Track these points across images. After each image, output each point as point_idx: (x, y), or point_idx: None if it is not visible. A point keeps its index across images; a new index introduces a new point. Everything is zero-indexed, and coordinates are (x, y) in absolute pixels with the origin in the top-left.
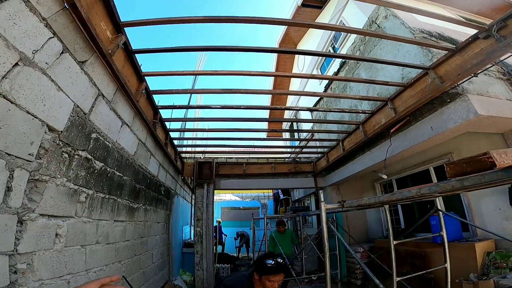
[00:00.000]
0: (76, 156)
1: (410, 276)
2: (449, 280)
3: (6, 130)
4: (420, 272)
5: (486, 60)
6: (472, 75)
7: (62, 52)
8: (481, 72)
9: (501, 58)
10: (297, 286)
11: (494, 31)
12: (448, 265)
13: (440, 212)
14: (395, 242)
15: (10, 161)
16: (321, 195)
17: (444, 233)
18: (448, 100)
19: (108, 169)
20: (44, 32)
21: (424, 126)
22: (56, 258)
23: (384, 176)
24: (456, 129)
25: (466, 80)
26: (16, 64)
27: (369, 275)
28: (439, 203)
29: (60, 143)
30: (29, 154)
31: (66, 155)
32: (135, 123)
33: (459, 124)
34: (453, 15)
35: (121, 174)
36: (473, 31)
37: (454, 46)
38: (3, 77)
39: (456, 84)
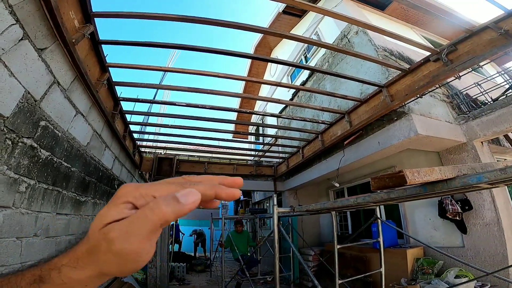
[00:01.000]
0: (20, 144)
1: (351, 278)
2: (383, 283)
3: None
4: (361, 275)
5: (431, 82)
6: (418, 96)
7: (21, 39)
8: (427, 93)
9: (449, 80)
10: (256, 286)
11: (443, 55)
12: (383, 269)
13: (379, 220)
14: (339, 246)
15: None
16: (274, 199)
17: (381, 240)
18: (395, 118)
19: (55, 159)
20: (7, 19)
21: (373, 140)
22: None
23: (337, 184)
24: (399, 145)
25: (412, 100)
26: None
27: (310, 276)
28: (379, 212)
29: (5, 129)
30: None
31: (9, 142)
32: (92, 113)
33: (402, 141)
34: (418, 35)
35: (69, 165)
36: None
37: (408, 67)
38: None
39: (403, 104)
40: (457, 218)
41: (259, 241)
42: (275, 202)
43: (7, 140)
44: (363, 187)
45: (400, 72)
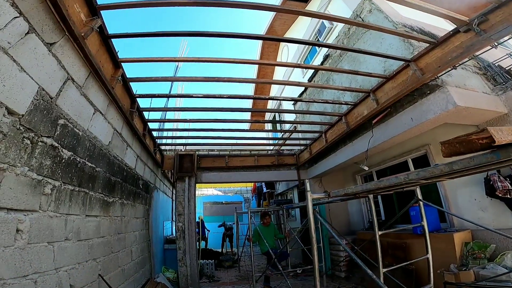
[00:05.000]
0: (40, 143)
1: (394, 267)
2: (431, 271)
3: None
4: (403, 264)
5: (465, 53)
6: (452, 67)
7: (27, 32)
8: (459, 65)
9: (480, 52)
10: (283, 280)
11: (474, 25)
12: (430, 255)
13: (421, 202)
14: (380, 233)
15: None
16: (307, 185)
17: (425, 223)
18: (428, 92)
19: (78, 159)
20: (10, 11)
21: (405, 117)
22: (18, 256)
23: (366, 168)
24: (436, 119)
25: (445, 73)
26: None
27: (361, 266)
28: (419, 194)
29: (21, 128)
30: None
31: (28, 142)
32: (110, 111)
33: (439, 115)
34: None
35: (93, 165)
36: (451, 27)
37: (435, 40)
38: None
39: (436, 76)
40: (508, 196)
41: (287, 233)
42: (309, 188)
43: (25, 139)
44: (394, 169)
45: (428, 45)
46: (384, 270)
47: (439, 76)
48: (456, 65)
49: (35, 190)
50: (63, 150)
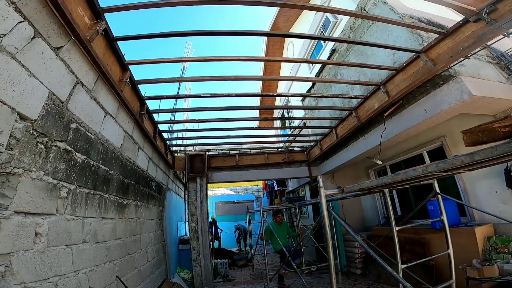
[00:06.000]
0: (53, 148)
1: (414, 263)
2: (453, 266)
3: None
4: (423, 259)
5: (477, 42)
6: (464, 57)
7: (34, 37)
8: (472, 55)
9: (492, 41)
10: (298, 278)
11: (484, 14)
12: (451, 251)
13: (439, 196)
14: (397, 228)
15: None
16: (320, 181)
17: (444, 218)
18: (441, 82)
19: (92, 163)
20: (13, 16)
21: (418, 108)
22: (38, 259)
23: (379, 162)
24: (451, 110)
25: (458, 63)
26: None
27: (379, 263)
28: (437, 187)
29: (34, 133)
30: None
31: (42, 146)
32: (120, 114)
33: (454, 105)
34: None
35: (106, 168)
36: (458, 17)
37: (445, 30)
38: None
39: (448, 67)
40: None
41: (300, 231)
42: (322, 184)
43: (39, 144)
44: (408, 163)
45: (437, 35)
46: (403, 266)
47: (452, 67)
48: (469, 55)
49: (51, 194)
50: (77, 154)
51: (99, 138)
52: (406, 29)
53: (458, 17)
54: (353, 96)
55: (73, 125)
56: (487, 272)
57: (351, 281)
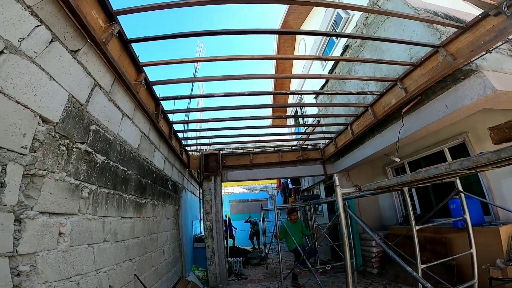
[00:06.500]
0: (75, 149)
1: (434, 263)
2: (475, 266)
3: None
4: (444, 259)
5: (499, 36)
6: (486, 51)
7: (51, 41)
8: (494, 49)
9: None
10: (312, 277)
11: (504, 8)
12: (474, 250)
13: (462, 194)
14: (417, 228)
15: (1, 155)
16: (336, 179)
17: (467, 217)
18: (462, 77)
19: (111, 163)
20: (30, 20)
21: (438, 104)
22: (62, 258)
23: (397, 159)
24: (473, 105)
25: (479, 57)
26: (2, 52)
27: (398, 263)
28: (460, 185)
29: (56, 135)
30: (22, 147)
31: (64, 148)
32: (136, 115)
33: (476, 101)
34: None
35: (125, 168)
36: (475, 11)
37: (464, 24)
38: None
39: (469, 61)
40: None
41: (315, 230)
42: (338, 182)
43: (61, 146)
44: (428, 160)
45: (456, 29)
46: (423, 266)
47: (473, 61)
48: (491, 49)
49: (73, 194)
50: (97, 155)
51: (117, 139)
52: (422, 23)
53: (475, 11)
54: (368, 93)
55: (92, 127)
56: (511, 272)
57: (367, 280)
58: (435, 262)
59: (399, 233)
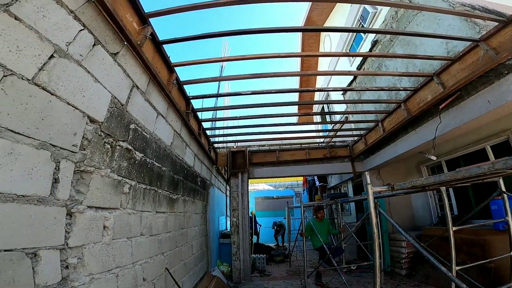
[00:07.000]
0: (117, 147)
1: (470, 265)
2: None
3: (48, 121)
4: (480, 262)
5: None
6: None
7: (94, 44)
8: None
9: None
10: (336, 276)
11: None
12: None
13: (505, 195)
14: (454, 229)
15: (55, 152)
16: (367, 177)
17: (509, 218)
18: (506, 72)
19: (148, 160)
20: (74, 25)
21: (480, 100)
22: (104, 251)
23: (434, 158)
24: None
25: None
26: (52, 56)
27: (433, 263)
28: (503, 185)
29: (102, 134)
30: (73, 145)
31: (108, 146)
32: (169, 114)
33: None
34: None
35: (160, 165)
36: None
37: (505, 18)
38: (40, 69)
39: None
40: None
41: (342, 228)
42: (369, 181)
43: (106, 144)
44: (468, 158)
45: (497, 23)
46: (457, 268)
47: None
48: None
49: (116, 190)
50: (136, 152)
51: (153, 137)
52: (459, 17)
53: None
54: (401, 88)
55: (132, 126)
56: None
57: (394, 281)
58: (471, 264)
59: (433, 234)
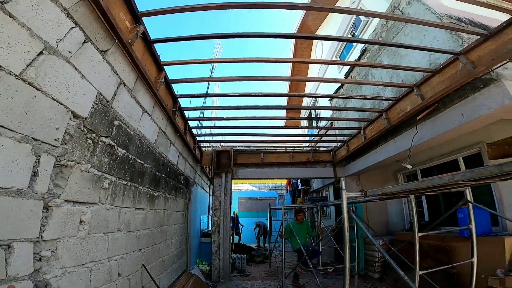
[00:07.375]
0: (100, 143)
1: (433, 270)
2: (474, 275)
3: (32, 116)
4: (444, 267)
5: None
6: (508, 60)
7: (84, 42)
8: None
9: None
10: (313, 278)
11: None
12: (475, 259)
13: (470, 204)
14: (420, 234)
15: (37, 146)
16: (343, 183)
17: (473, 226)
18: (481, 86)
19: (130, 156)
20: (66, 22)
21: (455, 112)
22: (79, 245)
23: (409, 166)
24: (490, 116)
25: (500, 66)
26: (41, 52)
27: (393, 266)
28: (469, 195)
29: (85, 129)
30: (55, 140)
31: (90, 141)
32: (155, 111)
33: (494, 111)
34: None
35: (142, 162)
36: (503, 17)
37: (487, 31)
38: (28, 65)
39: (489, 70)
40: None
41: (320, 231)
42: (344, 186)
43: (88, 139)
44: (442, 168)
45: (479, 37)
46: (421, 272)
47: (494, 70)
48: None
49: (95, 185)
50: (118, 148)
51: (137, 134)
52: (444, 29)
53: (503, 17)
54: (383, 98)
55: (116, 122)
56: (509, 282)
57: (367, 284)
58: (435, 269)
59: (404, 239)
